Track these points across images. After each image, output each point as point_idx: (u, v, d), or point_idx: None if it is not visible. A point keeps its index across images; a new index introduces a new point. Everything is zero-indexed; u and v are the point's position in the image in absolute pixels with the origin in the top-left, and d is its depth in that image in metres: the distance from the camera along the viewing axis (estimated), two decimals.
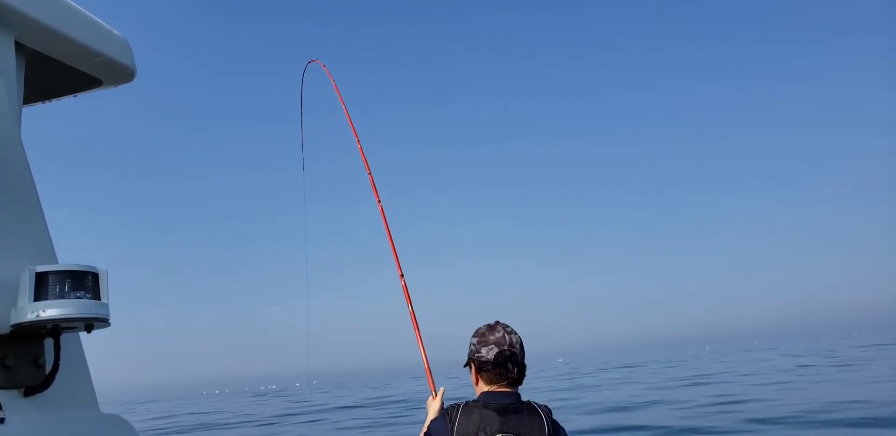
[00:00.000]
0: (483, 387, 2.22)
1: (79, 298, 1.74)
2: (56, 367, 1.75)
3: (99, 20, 2.33)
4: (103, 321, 1.78)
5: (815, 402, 14.88)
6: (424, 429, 2.20)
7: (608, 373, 42.45)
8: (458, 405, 2.15)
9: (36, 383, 1.72)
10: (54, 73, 2.33)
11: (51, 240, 1.94)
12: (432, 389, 2.61)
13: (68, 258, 1.88)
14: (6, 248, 1.78)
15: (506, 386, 2.20)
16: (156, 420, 31.28)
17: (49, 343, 1.77)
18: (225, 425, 25.46)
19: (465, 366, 2.31)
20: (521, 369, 2.22)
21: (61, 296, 1.73)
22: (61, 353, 1.77)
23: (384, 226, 3.21)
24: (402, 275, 3.04)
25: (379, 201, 3.34)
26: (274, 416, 27.59)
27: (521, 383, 2.24)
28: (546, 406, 2.18)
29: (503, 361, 2.17)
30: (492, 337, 2.21)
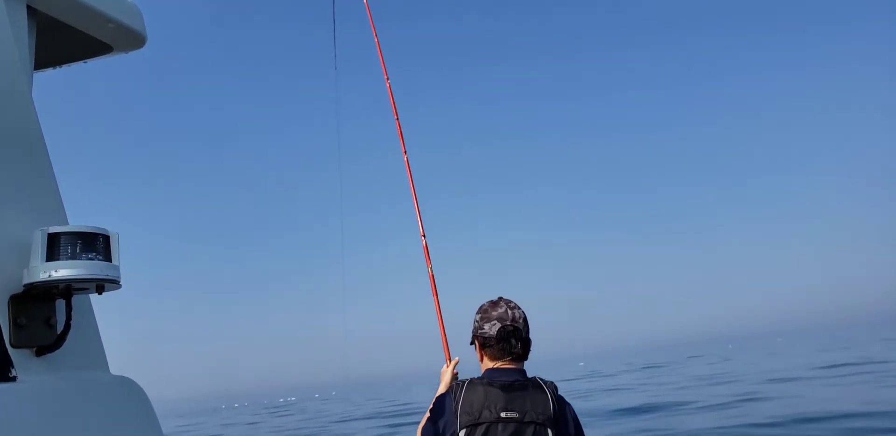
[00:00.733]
0: (488, 363, 2.18)
1: (90, 259, 1.73)
2: (67, 327, 1.74)
3: None
4: (114, 283, 1.77)
5: (845, 401, 14.56)
6: (432, 404, 2.16)
7: (629, 375, 42.03)
8: (463, 382, 2.11)
9: (48, 342, 1.71)
10: (65, 38, 2.33)
11: (62, 203, 1.95)
12: (447, 357, 2.58)
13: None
14: (19, 210, 1.78)
15: (510, 362, 2.15)
16: None
17: (60, 304, 1.76)
18: None
19: (470, 344, 2.27)
20: (526, 344, 2.17)
21: (73, 257, 1.71)
22: (73, 313, 1.76)
23: (408, 178, 3.18)
24: (424, 235, 3.04)
25: (405, 152, 3.31)
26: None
27: (525, 359, 2.19)
28: (552, 382, 2.13)
29: (506, 336, 2.12)
30: (494, 313, 2.17)
